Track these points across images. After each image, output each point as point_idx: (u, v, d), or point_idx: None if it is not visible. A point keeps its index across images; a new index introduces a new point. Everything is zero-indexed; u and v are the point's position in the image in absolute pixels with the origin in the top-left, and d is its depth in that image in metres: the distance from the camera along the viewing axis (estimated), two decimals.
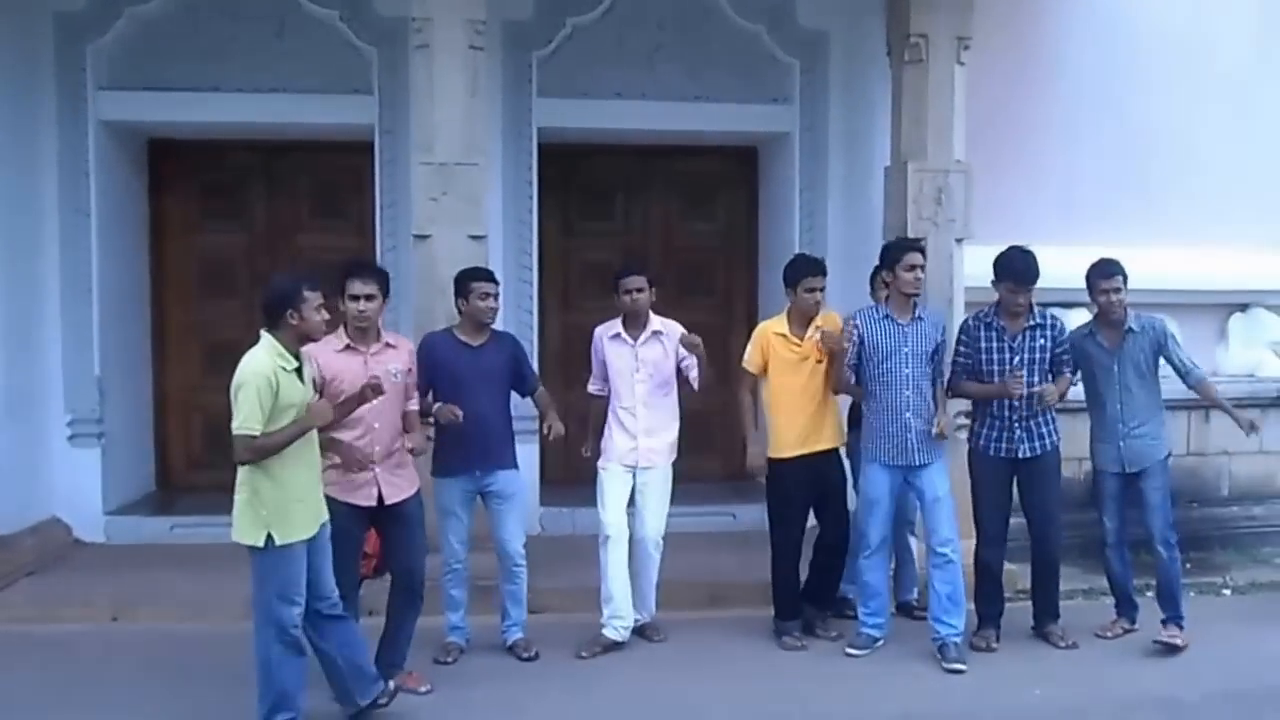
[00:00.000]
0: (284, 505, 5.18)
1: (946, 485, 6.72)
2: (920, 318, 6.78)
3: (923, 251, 6.84)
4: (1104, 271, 6.80)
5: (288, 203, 9.95)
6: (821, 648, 6.86)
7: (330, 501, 5.64)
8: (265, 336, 5.25)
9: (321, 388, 5.68)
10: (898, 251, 6.78)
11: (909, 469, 6.69)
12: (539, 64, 8.93)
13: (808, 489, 6.88)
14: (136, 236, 9.53)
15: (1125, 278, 6.77)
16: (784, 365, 6.85)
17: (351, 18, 8.66)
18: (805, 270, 6.84)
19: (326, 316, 5.37)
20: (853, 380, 6.84)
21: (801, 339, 6.82)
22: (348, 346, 5.83)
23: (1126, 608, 7.12)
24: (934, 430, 6.66)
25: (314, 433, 5.34)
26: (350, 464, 5.78)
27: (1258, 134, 9.79)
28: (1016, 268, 6.69)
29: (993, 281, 6.80)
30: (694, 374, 6.82)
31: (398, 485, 5.93)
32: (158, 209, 9.77)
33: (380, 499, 5.85)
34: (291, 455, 5.21)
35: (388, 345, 5.97)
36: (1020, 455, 6.79)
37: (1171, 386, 7.08)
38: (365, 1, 8.66)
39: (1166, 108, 9.61)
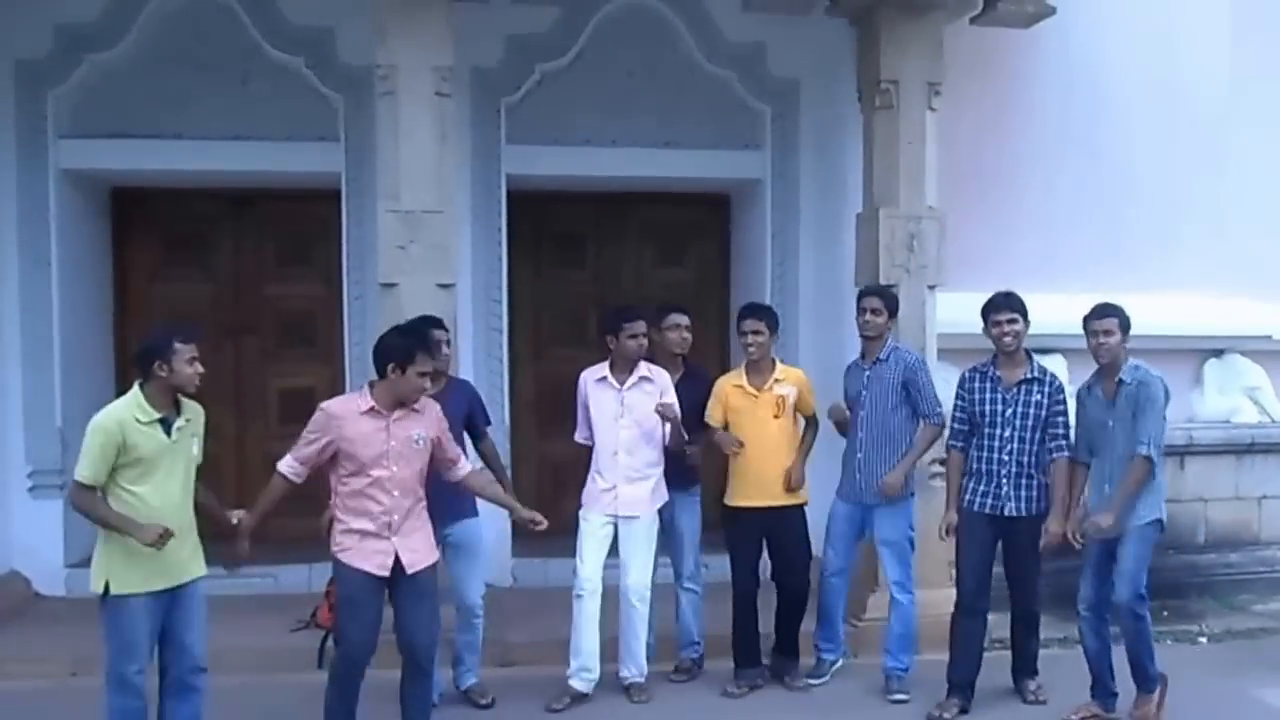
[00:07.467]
0: (128, 556, 5.07)
1: (900, 530, 6.79)
2: (881, 359, 6.83)
3: (879, 295, 6.91)
4: (1096, 313, 6.35)
5: (254, 251, 9.82)
6: (777, 694, 6.84)
7: (344, 568, 5.51)
8: (134, 388, 5.19)
9: (331, 451, 5.48)
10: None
11: (864, 507, 6.82)
12: (508, 111, 8.85)
13: (758, 540, 6.95)
14: (100, 286, 9.37)
15: (1121, 321, 6.27)
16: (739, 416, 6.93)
17: (317, 65, 8.57)
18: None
19: (199, 370, 5.24)
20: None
21: (759, 389, 6.84)
22: (372, 409, 5.51)
23: (1101, 692, 6.50)
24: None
25: (186, 484, 5.27)
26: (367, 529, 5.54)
27: (1231, 178, 9.80)
28: (997, 299, 6.62)
29: (985, 329, 6.67)
30: (658, 433, 6.76)
31: (418, 553, 5.62)
32: (121, 258, 9.61)
33: (400, 567, 5.55)
34: (148, 508, 5.10)
35: (412, 410, 5.61)
36: (1006, 514, 6.50)
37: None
38: (330, 48, 8.58)
39: (1140, 152, 9.60)
